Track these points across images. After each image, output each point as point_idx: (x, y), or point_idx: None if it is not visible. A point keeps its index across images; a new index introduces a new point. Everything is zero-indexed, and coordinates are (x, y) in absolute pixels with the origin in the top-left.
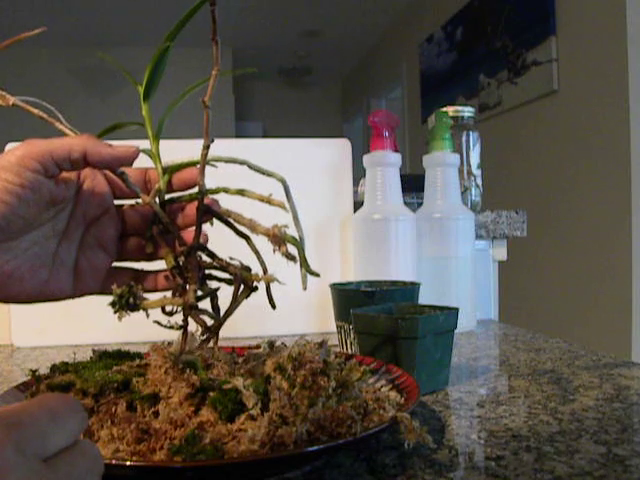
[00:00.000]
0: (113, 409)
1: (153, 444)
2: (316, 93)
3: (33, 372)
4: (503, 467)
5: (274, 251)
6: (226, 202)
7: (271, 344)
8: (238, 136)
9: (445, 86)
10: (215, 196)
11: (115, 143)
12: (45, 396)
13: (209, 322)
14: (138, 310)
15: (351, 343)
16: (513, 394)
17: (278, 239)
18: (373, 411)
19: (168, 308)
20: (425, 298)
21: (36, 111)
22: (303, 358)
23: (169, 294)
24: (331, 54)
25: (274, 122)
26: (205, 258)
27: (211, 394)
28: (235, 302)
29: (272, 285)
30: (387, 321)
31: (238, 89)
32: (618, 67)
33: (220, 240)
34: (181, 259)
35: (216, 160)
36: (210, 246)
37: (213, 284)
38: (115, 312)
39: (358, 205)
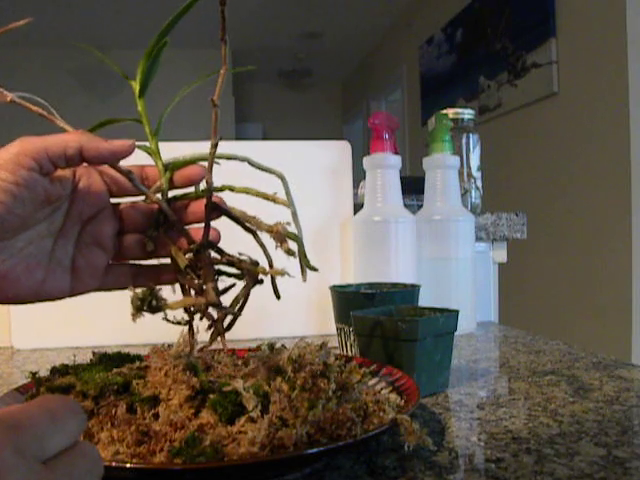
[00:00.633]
0: (113, 411)
1: (153, 446)
2: (316, 95)
3: (33, 374)
4: (503, 469)
5: (276, 247)
6: (226, 200)
7: (271, 346)
8: (238, 138)
9: (445, 88)
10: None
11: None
12: (45, 397)
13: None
14: (160, 311)
15: (351, 345)
16: (513, 396)
17: (280, 236)
18: (373, 413)
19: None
20: (425, 300)
21: (35, 108)
22: (303, 360)
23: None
24: (331, 56)
25: (274, 124)
26: (213, 255)
27: (211, 396)
28: (245, 297)
29: (272, 289)
30: (387, 323)
31: (238, 91)
32: (618, 69)
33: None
34: (190, 257)
35: (218, 157)
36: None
37: (221, 280)
38: (136, 315)
39: (358, 207)
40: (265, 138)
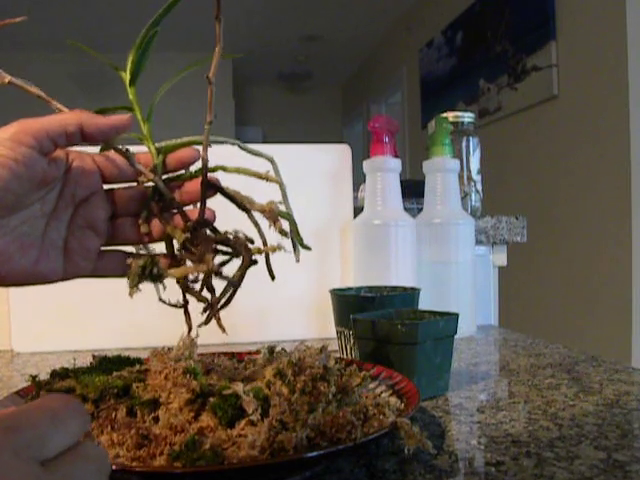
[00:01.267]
0: (113, 415)
1: (153, 450)
2: (316, 98)
3: (33, 378)
4: (503, 473)
5: (269, 226)
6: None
7: (271, 349)
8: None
9: (445, 91)
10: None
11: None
12: (46, 398)
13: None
14: (161, 279)
15: (351, 348)
16: (513, 399)
17: (273, 215)
18: (373, 417)
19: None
20: (425, 303)
21: (33, 89)
22: (303, 363)
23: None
24: (331, 59)
25: (274, 127)
26: (209, 233)
27: (211, 399)
28: (241, 276)
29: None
30: (387, 327)
31: (238, 94)
32: (618, 72)
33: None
34: (187, 236)
35: (210, 141)
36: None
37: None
38: (133, 286)
39: (358, 210)
40: (265, 141)
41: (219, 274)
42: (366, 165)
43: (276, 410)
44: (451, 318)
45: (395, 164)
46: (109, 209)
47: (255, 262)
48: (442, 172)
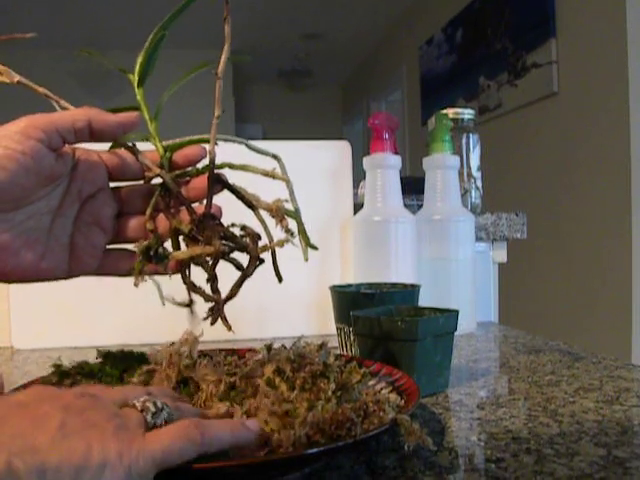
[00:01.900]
0: None
1: None
2: (316, 95)
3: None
4: (503, 469)
5: (276, 225)
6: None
7: (270, 346)
8: (238, 133)
9: (445, 88)
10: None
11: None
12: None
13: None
14: (166, 260)
15: (351, 345)
16: (513, 396)
17: (279, 213)
18: (373, 413)
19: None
20: (425, 300)
21: (41, 89)
22: (303, 360)
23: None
24: (331, 56)
25: (274, 124)
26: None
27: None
28: (247, 273)
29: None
30: (387, 323)
31: (238, 91)
32: (618, 69)
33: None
34: (193, 227)
35: (217, 139)
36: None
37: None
38: (139, 269)
39: (358, 207)
40: (265, 138)
41: (227, 256)
42: (366, 162)
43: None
44: (451, 315)
45: (395, 161)
46: (115, 206)
47: (262, 261)
48: (442, 169)
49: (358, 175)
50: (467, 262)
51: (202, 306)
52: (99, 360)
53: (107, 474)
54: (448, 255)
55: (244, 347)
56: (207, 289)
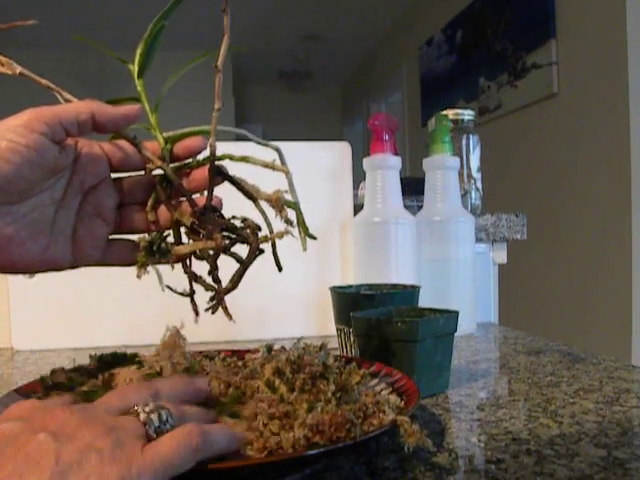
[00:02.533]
0: None
1: None
2: (316, 96)
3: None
4: (503, 470)
5: (275, 216)
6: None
7: (270, 347)
8: (238, 139)
9: (445, 89)
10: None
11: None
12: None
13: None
14: (169, 256)
15: (351, 346)
16: (513, 397)
17: (279, 204)
18: (373, 414)
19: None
20: (425, 301)
21: (44, 81)
22: (302, 361)
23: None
24: (331, 57)
25: (274, 125)
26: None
27: None
28: (247, 264)
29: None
30: (387, 324)
31: (238, 92)
32: (618, 70)
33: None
34: (194, 219)
35: (218, 130)
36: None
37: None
38: (141, 264)
39: (358, 208)
40: (265, 139)
41: (228, 250)
42: (366, 163)
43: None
44: (451, 316)
45: (395, 162)
46: (117, 197)
47: (262, 251)
48: (442, 170)
49: (358, 176)
50: (467, 263)
51: (203, 296)
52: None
53: None
54: (448, 256)
55: (244, 348)
56: (208, 280)
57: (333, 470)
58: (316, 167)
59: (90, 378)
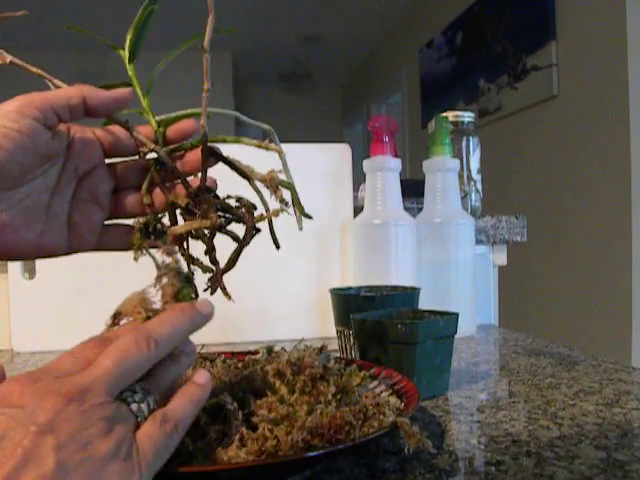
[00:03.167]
0: None
1: None
2: (316, 98)
3: None
4: (503, 472)
5: (270, 196)
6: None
7: (270, 349)
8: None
9: (445, 91)
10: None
11: None
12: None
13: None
14: (164, 237)
15: (351, 348)
16: (513, 399)
17: (273, 183)
18: (373, 416)
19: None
20: (425, 303)
21: (34, 69)
22: (303, 363)
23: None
24: (331, 59)
25: (274, 127)
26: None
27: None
28: (243, 242)
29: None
30: (387, 326)
31: (238, 94)
32: (618, 72)
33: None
34: (190, 201)
35: (209, 112)
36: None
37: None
38: (137, 246)
39: (358, 210)
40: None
41: (223, 229)
42: (366, 164)
43: (265, 423)
44: (451, 318)
45: (395, 164)
46: (112, 182)
47: (258, 230)
48: (442, 171)
49: (358, 178)
50: (467, 265)
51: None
52: None
53: None
54: (448, 258)
55: (244, 350)
56: (205, 262)
57: (333, 472)
58: (316, 169)
59: None
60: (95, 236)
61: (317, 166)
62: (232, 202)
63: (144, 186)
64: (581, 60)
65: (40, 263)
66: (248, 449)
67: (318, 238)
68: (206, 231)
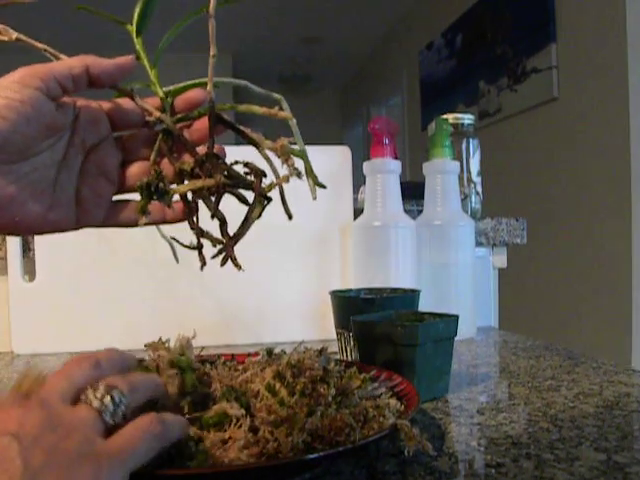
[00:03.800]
0: None
1: None
2: (316, 100)
3: None
4: (503, 474)
5: (282, 164)
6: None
7: (270, 351)
8: (238, 142)
9: (445, 93)
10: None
11: None
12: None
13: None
14: (167, 196)
15: (351, 350)
16: (513, 401)
17: (285, 151)
18: (373, 418)
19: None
20: (425, 305)
21: (40, 44)
22: (302, 365)
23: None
24: (331, 61)
25: (274, 129)
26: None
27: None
28: (252, 209)
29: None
30: (387, 328)
31: (238, 96)
32: (618, 74)
33: None
34: (196, 166)
35: (218, 81)
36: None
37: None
38: (141, 208)
39: (358, 212)
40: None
41: (227, 188)
42: (366, 167)
43: (264, 427)
44: (451, 320)
45: (395, 166)
46: (119, 155)
47: (269, 199)
48: (442, 174)
49: (358, 180)
50: (467, 267)
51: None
52: None
53: None
54: (448, 260)
55: (244, 352)
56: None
57: (333, 474)
58: (316, 171)
59: None
60: (103, 211)
61: (317, 168)
62: (240, 168)
63: (152, 157)
64: (581, 62)
65: (40, 265)
66: (249, 451)
67: (318, 240)
68: (212, 198)
